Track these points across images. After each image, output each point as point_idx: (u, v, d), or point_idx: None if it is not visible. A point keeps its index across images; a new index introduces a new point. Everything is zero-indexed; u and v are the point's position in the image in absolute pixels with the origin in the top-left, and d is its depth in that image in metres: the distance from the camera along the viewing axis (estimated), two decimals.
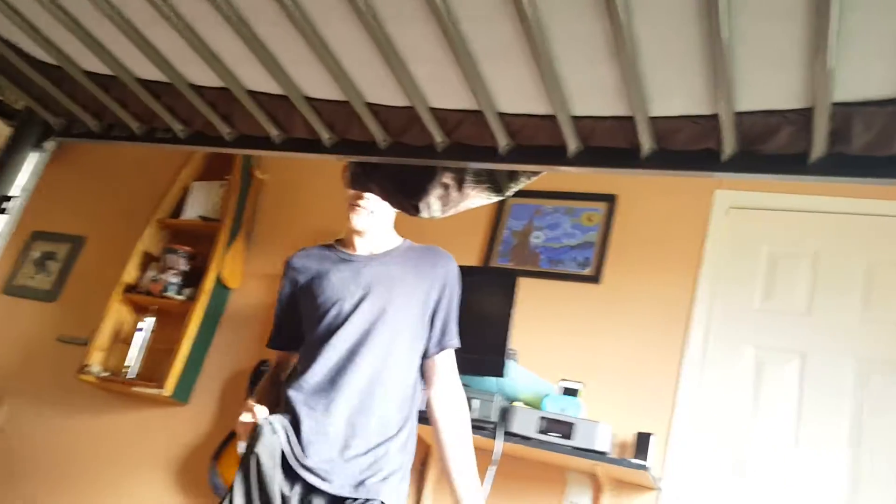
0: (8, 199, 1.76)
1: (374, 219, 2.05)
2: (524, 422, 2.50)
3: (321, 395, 1.86)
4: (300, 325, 2.05)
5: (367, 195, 1.96)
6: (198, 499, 3.24)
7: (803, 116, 0.97)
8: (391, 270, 2.02)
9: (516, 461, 2.72)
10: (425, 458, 2.90)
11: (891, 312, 2.65)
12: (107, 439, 3.52)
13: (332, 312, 1.94)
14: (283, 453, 1.78)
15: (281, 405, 1.93)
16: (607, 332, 2.92)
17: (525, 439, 2.47)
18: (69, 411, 3.64)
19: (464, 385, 2.56)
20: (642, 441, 2.51)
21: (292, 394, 1.88)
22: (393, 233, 2.15)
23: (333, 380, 1.87)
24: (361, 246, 2.09)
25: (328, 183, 3.72)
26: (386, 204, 1.87)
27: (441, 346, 2.02)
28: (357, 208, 2.04)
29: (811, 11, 0.81)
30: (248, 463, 1.78)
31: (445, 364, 2.04)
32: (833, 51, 0.84)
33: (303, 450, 1.79)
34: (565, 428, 2.46)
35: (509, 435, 2.48)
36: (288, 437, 1.80)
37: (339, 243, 2.15)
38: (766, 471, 2.56)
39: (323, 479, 1.76)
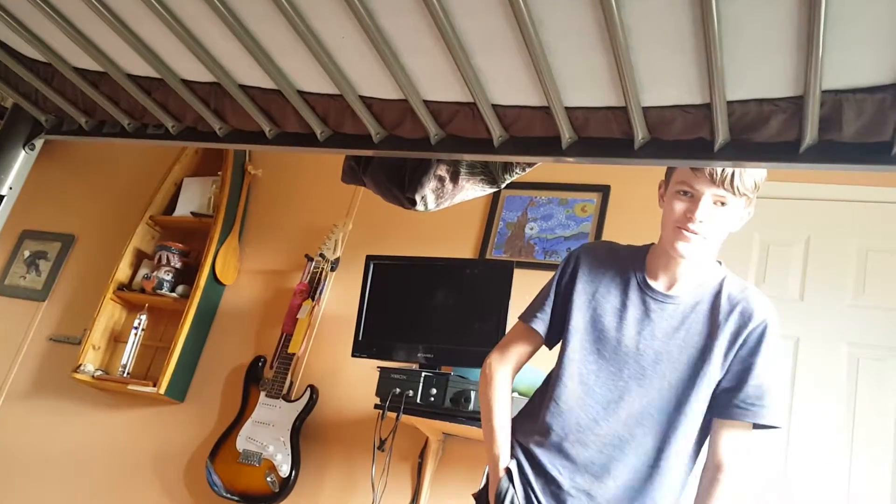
0: None
1: (703, 248, 1.61)
2: None
3: (583, 466, 1.58)
4: (563, 327, 1.69)
5: (702, 216, 1.55)
6: (195, 498, 3.24)
7: (794, 104, 0.97)
8: (685, 326, 1.61)
9: None
10: (423, 451, 2.90)
11: (882, 298, 2.67)
12: (102, 439, 3.52)
13: (604, 363, 1.60)
14: None
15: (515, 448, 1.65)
16: None
17: None
18: (63, 411, 3.64)
19: (460, 377, 2.59)
20: None
21: (540, 453, 1.61)
22: (710, 265, 1.70)
23: (600, 450, 1.57)
24: (665, 279, 1.67)
25: (321, 177, 3.72)
26: (719, 229, 1.59)
27: (729, 417, 1.58)
28: (687, 234, 1.57)
29: None
30: None
31: (728, 443, 1.58)
32: (823, 38, 0.84)
33: None
34: None
35: None
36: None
37: (649, 258, 1.72)
38: (762, 455, 2.57)
39: None
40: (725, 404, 1.57)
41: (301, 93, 1.25)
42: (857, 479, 2.47)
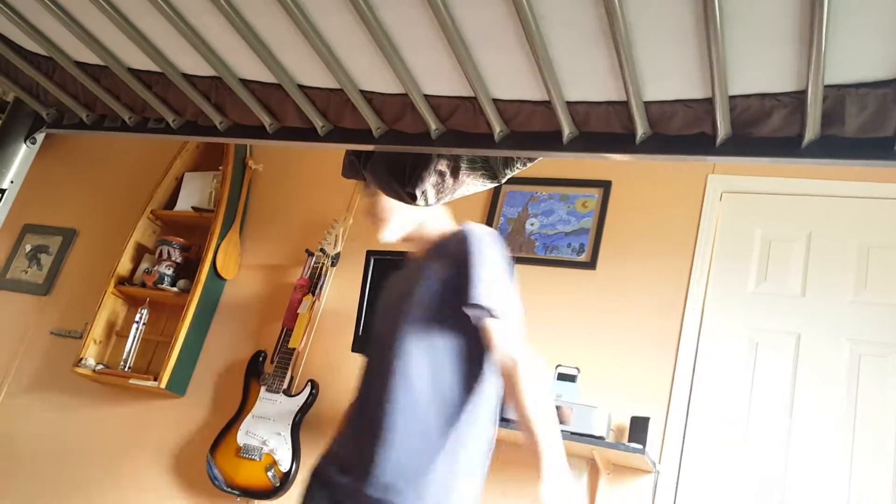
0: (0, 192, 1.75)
1: (397, 225, 1.87)
2: None
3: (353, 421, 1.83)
4: None
5: (368, 207, 1.87)
6: (196, 491, 3.25)
7: (796, 99, 0.97)
8: (410, 275, 1.86)
9: (513, 447, 2.73)
10: None
11: (883, 294, 2.66)
12: (103, 433, 3.52)
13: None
14: None
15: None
16: (603, 318, 2.93)
17: None
18: (65, 405, 3.64)
19: None
20: (638, 425, 2.53)
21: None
22: (441, 225, 1.91)
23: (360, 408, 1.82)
24: (413, 250, 1.94)
25: (322, 172, 3.72)
26: (384, 213, 1.83)
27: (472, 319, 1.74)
28: (374, 224, 1.88)
29: None
30: None
31: (498, 341, 1.72)
32: (825, 32, 0.84)
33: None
34: (561, 413, 2.47)
35: (507, 421, 2.49)
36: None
37: None
38: (762, 452, 2.58)
39: None
40: (464, 309, 1.69)
41: (301, 87, 1.25)
42: (858, 475, 2.46)
